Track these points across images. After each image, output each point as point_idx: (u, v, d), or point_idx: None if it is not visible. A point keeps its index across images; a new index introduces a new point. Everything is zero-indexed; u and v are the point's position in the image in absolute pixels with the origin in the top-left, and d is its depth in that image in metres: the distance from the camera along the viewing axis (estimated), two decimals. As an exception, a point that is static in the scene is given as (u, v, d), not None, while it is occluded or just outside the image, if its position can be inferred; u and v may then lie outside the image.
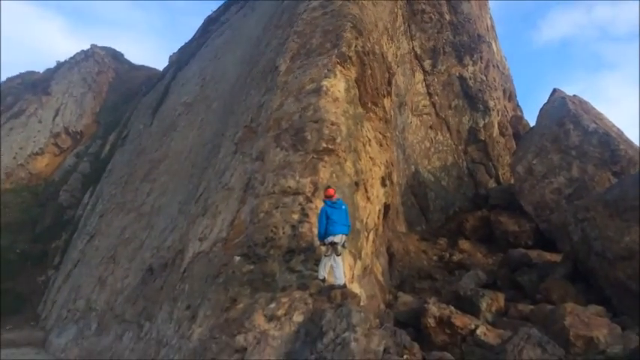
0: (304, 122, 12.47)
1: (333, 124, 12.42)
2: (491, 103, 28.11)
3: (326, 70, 13.66)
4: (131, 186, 27.65)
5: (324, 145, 11.80)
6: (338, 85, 13.47)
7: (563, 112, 21.62)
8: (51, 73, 54.51)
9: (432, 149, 26.44)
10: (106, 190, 32.32)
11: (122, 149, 36.83)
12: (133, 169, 29.52)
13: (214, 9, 47.59)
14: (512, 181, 24.29)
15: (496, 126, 28.32)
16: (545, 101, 24.05)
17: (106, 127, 46.71)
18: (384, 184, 14.25)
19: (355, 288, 10.07)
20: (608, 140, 19.59)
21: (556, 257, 16.51)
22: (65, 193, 39.68)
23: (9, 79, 57.04)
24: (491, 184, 26.68)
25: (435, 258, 18.93)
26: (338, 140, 12.05)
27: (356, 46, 14.99)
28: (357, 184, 12.08)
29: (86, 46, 58.74)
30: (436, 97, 27.09)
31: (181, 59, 43.07)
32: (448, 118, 27.30)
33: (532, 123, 28.23)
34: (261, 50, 21.44)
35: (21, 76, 57.30)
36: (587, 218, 13.74)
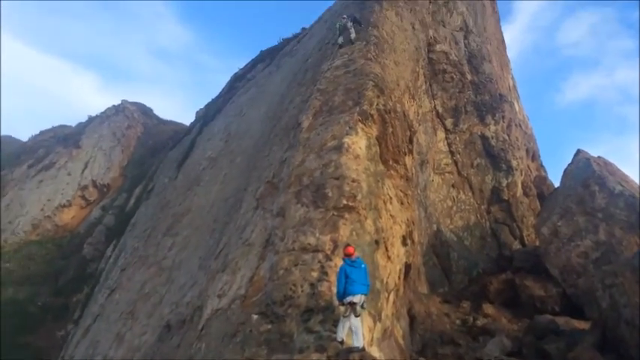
0: (325, 179, 12.50)
1: (353, 181, 12.41)
2: (514, 163, 27.96)
3: (347, 128, 13.81)
4: (153, 240, 27.76)
5: (345, 202, 11.76)
6: (359, 142, 13.57)
7: (588, 174, 21.30)
8: (82, 127, 56.21)
9: (455, 208, 26.16)
10: (129, 244, 32.48)
11: (147, 202, 37.26)
12: (156, 223, 29.73)
13: (241, 67, 49.13)
14: (537, 243, 23.72)
15: (519, 186, 28.02)
16: (570, 162, 23.80)
17: (132, 180, 47.48)
18: (405, 243, 14.03)
19: (374, 352, 9.72)
20: (634, 203, 19.12)
21: (584, 324, 15.79)
22: (89, 246, 39.82)
23: (42, 132, 58.98)
24: (516, 245, 26.09)
25: (457, 322, 18.29)
26: (359, 197, 12.00)
27: (377, 104, 15.21)
28: (377, 242, 11.91)
29: (117, 101, 60.57)
30: (458, 156, 27.08)
31: (207, 114, 44.16)
32: (470, 176, 27.16)
33: (556, 183, 27.90)
34: (284, 107, 21.91)
35: (54, 129, 59.23)
36: (615, 284, 13.24)
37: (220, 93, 48.06)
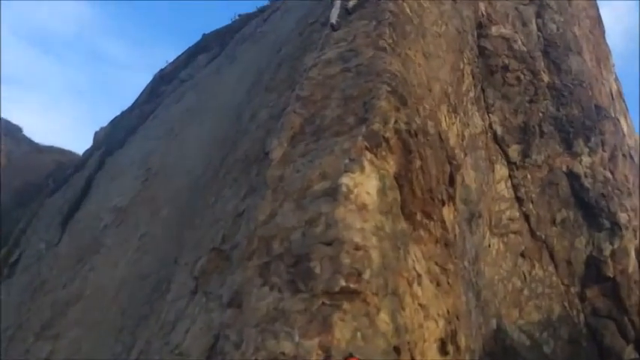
0: (310, 244, 12.52)
1: (357, 247, 12.45)
2: (622, 217, 28.14)
3: (347, 160, 13.92)
4: (19, 346, 27.32)
5: (343, 282, 11.74)
6: (367, 183, 13.66)
7: None
8: None
9: (526, 291, 26.16)
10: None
11: (8, 283, 36.80)
12: (24, 318, 29.32)
13: (170, 60, 49.60)
14: (664, 350, 23.68)
15: (633, 255, 28.13)
16: None
17: (-15, 246, 47.06)
18: (444, 351, 13.97)
19: None
20: None
21: None
22: None
23: None
24: (629, 352, 26.02)
25: None
26: (366, 275, 12.00)
27: (397, 122, 15.39)
28: (397, 350, 11.84)
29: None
30: (530, 206, 27.25)
31: (113, 137, 44.30)
32: (551, 240, 27.27)
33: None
34: (242, 126, 22.10)
35: None
36: None
37: (135, 102, 48.38)
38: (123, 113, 49.54)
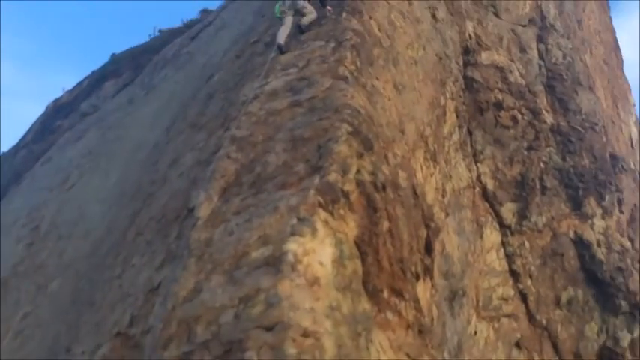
0: (245, 329, 12.42)
1: (306, 334, 12.38)
2: (643, 297, 28.36)
3: (295, 220, 13.88)
4: None
5: (288, 380, 11.65)
6: (319, 251, 13.61)
7: None
8: None
9: (522, 393, 26.19)
10: None
11: None
12: None
13: (68, 88, 49.16)
14: None
15: (657, 346, 28.36)
16: None
17: None
18: None
19: None
20: None
21: None
22: None
23: None
24: None
25: None
26: (317, 371, 11.91)
27: (359, 172, 15.44)
28: None
29: None
30: (528, 282, 27.42)
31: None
32: (554, 325, 27.42)
33: None
34: (161, 173, 21.97)
35: None
36: None
37: (21, 141, 47.93)
38: (4, 155, 49.05)
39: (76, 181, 32.34)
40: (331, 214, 14.41)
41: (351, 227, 14.57)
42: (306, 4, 21.37)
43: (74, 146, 37.17)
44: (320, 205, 14.35)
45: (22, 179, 39.27)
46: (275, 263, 13.31)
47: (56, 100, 47.56)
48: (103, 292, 18.99)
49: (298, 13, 21.34)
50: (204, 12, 44.67)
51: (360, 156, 15.79)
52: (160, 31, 46.90)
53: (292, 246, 13.49)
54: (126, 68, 44.07)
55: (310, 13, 21.31)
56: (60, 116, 44.91)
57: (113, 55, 48.33)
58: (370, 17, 21.76)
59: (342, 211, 14.59)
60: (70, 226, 28.07)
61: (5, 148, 48.07)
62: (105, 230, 24.04)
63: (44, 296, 24.66)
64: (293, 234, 13.69)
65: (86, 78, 47.84)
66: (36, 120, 48.20)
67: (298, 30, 21.13)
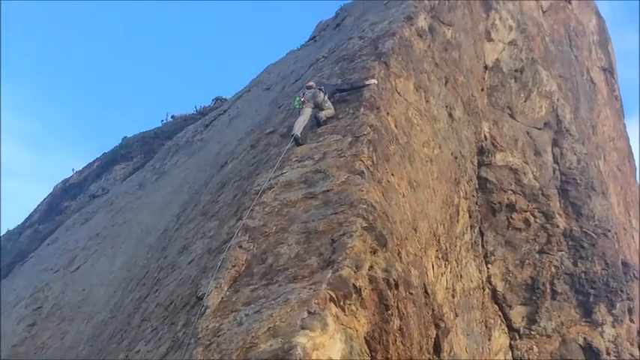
0: None
1: None
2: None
3: (305, 314, 13.71)
4: None
5: None
6: (329, 346, 13.43)
7: None
8: None
9: None
10: None
11: None
12: None
13: (77, 168, 49.18)
14: None
15: None
16: None
17: None
18: None
19: None
20: None
21: None
22: None
23: None
24: None
25: None
26: None
27: (372, 268, 15.29)
28: None
29: None
30: (537, 388, 26.99)
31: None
32: None
33: None
34: (169, 260, 21.83)
35: None
36: None
37: (27, 220, 47.83)
38: (10, 233, 48.95)
39: (82, 263, 32.19)
40: (342, 309, 14.23)
41: (361, 323, 14.39)
42: (327, 98, 21.41)
43: (81, 228, 37.13)
44: (331, 299, 14.18)
45: (26, 258, 39.15)
46: (284, 356, 13.09)
47: (65, 181, 47.71)
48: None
49: (318, 106, 21.37)
50: (218, 100, 44.97)
51: (374, 252, 15.67)
52: (172, 116, 47.22)
53: (302, 340, 13.29)
54: (137, 152, 44.28)
55: (329, 109, 21.34)
56: (68, 197, 45.01)
57: (124, 138, 48.59)
58: (388, 113, 21.78)
59: (353, 307, 14.41)
60: (73, 308, 27.85)
61: (13, 225, 47.72)
62: (108, 314, 23.81)
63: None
64: (303, 328, 13.49)
65: (96, 160, 48.03)
66: (43, 200, 48.28)
67: (316, 122, 21.12)
